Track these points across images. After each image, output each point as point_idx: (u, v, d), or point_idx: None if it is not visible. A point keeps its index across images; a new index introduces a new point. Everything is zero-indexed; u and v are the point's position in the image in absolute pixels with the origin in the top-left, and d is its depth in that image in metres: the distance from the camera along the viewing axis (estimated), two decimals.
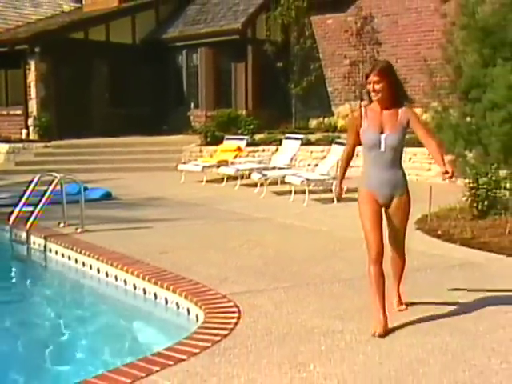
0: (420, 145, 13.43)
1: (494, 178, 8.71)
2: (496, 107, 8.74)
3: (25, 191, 8.59)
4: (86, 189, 10.05)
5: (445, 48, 10.01)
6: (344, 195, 5.24)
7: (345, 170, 5.16)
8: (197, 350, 4.08)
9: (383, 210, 4.95)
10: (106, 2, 22.51)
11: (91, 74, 20.44)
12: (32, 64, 19.34)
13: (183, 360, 3.94)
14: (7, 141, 18.44)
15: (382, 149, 4.73)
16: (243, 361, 3.94)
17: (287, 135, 14.17)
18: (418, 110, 16.81)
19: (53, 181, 8.52)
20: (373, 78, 4.78)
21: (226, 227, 8.79)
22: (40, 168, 15.49)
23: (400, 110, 4.81)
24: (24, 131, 19.42)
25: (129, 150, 17.58)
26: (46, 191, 8.25)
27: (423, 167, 13.13)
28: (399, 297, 5.21)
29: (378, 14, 18.41)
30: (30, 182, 8.72)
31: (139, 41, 21.49)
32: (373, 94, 4.80)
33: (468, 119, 9.28)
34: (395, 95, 4.81)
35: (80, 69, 19.89)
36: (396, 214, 4.92)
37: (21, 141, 18.66)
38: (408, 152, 13.58)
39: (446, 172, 4.59)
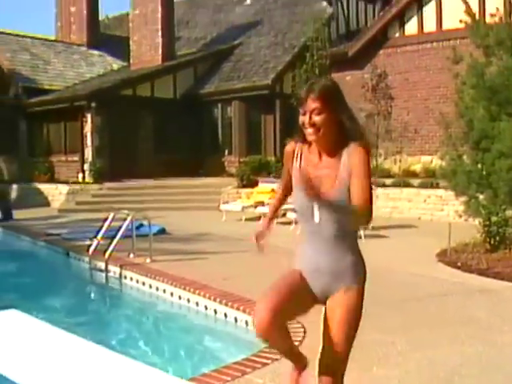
0: (434, 186, 13.89)
1: (503, 217, 9.17)
2: (503, 156, 9.20)
3: (101, 226, 9.13)
4: (142, 225, 10.56)
5: (457, 104, 10.51)
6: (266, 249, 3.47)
7: (275, 210, 3.55)
8: (277, 357, 4.53)
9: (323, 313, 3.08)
10: (151, 61, 23.35)
11: (138, 125, 21.16)
12: (88, 117, 20.14)
13: (268, 364, 4.40)
14: (66, 183, 19.15)
15: (316, 219, 2.89)
16: None
17: None
18: (427, 158, 17.63)
19: (117, 217, 9.13)
20: (311, 104, 2.87)
21: (272, 259, 9.18)
22: (97, 207, 16.20)
23: (343, 155, 2.87)
24: (80, 175, 20.13)
25: (172, 191, 18.16)
26: (120, 226, 8.79)
27: (436, 208, 13.55)
28: None
29: (391, 71, 19.01)
30: (106, 218, 9.24)
31: (180, 95, 22.27)
32: (309, 130, 2.88)
33: (479, 166, 9.73)
34: (343, 133, 2.89)
35: (129, 120, 20.66)
36: (334, 316, 2.99)
37: (78, 183, 19.36)
38: (422, 194, 14.07)
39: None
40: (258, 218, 13.95)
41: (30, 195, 19.26)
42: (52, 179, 20.22)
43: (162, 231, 11.98)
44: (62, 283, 8.79)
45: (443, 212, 13.30)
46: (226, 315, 6.20)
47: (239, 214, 14.20)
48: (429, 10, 18.23)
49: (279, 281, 3.05)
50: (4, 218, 15.21)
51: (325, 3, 23.39)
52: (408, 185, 14.61)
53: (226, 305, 6.21)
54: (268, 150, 20.23)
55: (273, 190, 14.92)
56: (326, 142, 2.92)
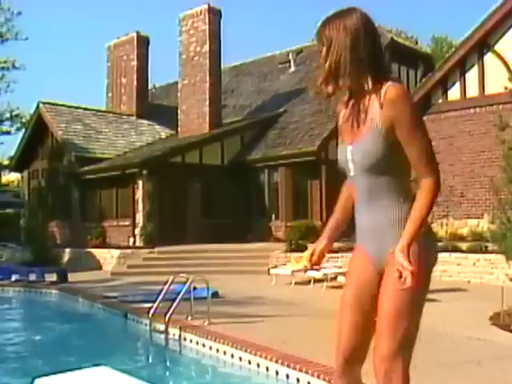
0: (483, 251, 13.94)
1: None
2: None
3: (161, 289, 9.44)
4: (195, 288, 10.81)
5: (505, 169, 10.69)
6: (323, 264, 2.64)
7: (339, 223, 3.07)
8: None
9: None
10: (198, 130, 24.11)
11: (187, 191, 21.77)
12: (140, 183, 20.83)
13: None
14: (118, 247, 19.68)
15: (351, 171, 2.67)
16: None
17: None
18: (474, 221, 17.67)
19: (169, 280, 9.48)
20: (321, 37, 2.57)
21: (326, 323, 9.31)
22: (148, 271, 16.61)
23: (374, 95, 2.53)
24: (131, 239, 20.66)
25: (221, 255, 18.47)
26: (179, 289, 9.09)
27: (486, 271, 13.54)
28: None
29: (435, 137, 19.16)
30: (166, 282, 9.56)
31: (227, 162, 22.87)
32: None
33: None
34: (363, 67, 2.52)
35: (178, 186, 21.29)
36: (383, 287, 2.62)
37: (129, 247, 19.87)
38: (471, 258, 14.09)
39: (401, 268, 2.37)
40: (308, 282, 14.16)
41: (82, 259, 19.81)
42: (104, 243, 20.77)
43: (216, 294, 12.22)
44: (124, 344, 9.06)
45: (493, 275, 13.29)
46: (287, 376, 6.36)
47: (288, 278, 14.38)
48: (471, 75, 18.56)
49: (345, 304, 2.75)
50: (59, 281, 15.65)
51: None
52: (456, 248, 14.65)
53: (288, 366, 6.37)
54: (314, 214, 20.52)
55: None
56: (347, 80, 2.54)
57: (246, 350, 7.15)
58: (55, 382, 3.77)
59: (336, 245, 14.60)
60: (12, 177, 36.35)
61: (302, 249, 16.35)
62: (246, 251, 18.67)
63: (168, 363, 8.33)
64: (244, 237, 20.57)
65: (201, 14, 24.69)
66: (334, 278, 13.38)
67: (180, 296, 8.92)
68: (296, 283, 14.24)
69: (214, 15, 24.67)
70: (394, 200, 2.59)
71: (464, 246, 14.72)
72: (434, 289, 11.18)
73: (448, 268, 14.32)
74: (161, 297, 9.19)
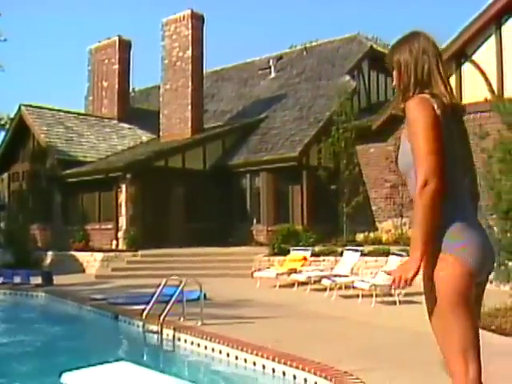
0: None
1: None
2: None
3: (155, 292, 9.69)
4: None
5: (485, 177, 11.12)
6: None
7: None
8: None
9: None
10: (180, 134, 24.33)
11: (170, 195, 21.98)
12: (123, 187, 21.00)
13: None
14: (101, 250, 19.82)
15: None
16: None
17: (348, 247, 15.19)
18: None
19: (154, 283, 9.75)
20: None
21: (314, 324, 9.71)
22: (133, 273, 16.82)
23: None
24: (114, 242, 20.81)
25: (204, 258, 18.73)
26: (169, 292, 9.36)
27: None
28: None
29: None
30: (159, 284, 9.81)
31: (209, 167, 23.13)
32: None
33: (508, 235, 10.26)
34: (409, 86, 2.91)
35: (161, 190, 21.50)
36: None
37: (112, 250, 20.02)
38: None
39: (393, 280, 2.76)
40: (292, 285, 14.48)
41: (65, 262, 19.89)
42: (86, 246, 20.89)
43: (204, 297, 12.45)
44: (119, 345, 9.30)
45: None
46: (284, 373, 6.66)
47: (272, 281, 14.68)
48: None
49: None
50: (45, 284, 15.77)
51: (348, 77, 24.39)
52: None
53: (285, 364, 6.67)
54: (296, 219, 20.85)
55: (304, 258, 15.48)
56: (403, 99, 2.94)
57: (241, 349, 7.44)
58: (81, 376, 4.02)
59: (318, 248, 14.91)
60: None
61: (285, 252, 16.69)
62: (228, 255, 18.94)
63: (164, 363, 8.58)
64: (226, 241, 20.82)
65: (184, 19, 24.94)
66: (318, 281, 13.70)
67: (174, 298, 9.18)
68: (280, 286, 14.55)
69: (197, 20, 24.93)
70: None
71: None
72: (415, 291, 11.54)
73: None
74: (154, 298, 9.44)
